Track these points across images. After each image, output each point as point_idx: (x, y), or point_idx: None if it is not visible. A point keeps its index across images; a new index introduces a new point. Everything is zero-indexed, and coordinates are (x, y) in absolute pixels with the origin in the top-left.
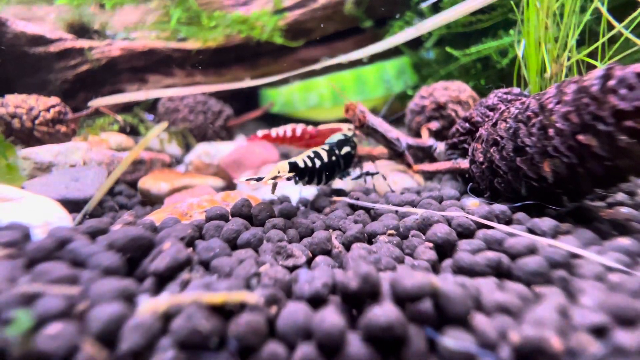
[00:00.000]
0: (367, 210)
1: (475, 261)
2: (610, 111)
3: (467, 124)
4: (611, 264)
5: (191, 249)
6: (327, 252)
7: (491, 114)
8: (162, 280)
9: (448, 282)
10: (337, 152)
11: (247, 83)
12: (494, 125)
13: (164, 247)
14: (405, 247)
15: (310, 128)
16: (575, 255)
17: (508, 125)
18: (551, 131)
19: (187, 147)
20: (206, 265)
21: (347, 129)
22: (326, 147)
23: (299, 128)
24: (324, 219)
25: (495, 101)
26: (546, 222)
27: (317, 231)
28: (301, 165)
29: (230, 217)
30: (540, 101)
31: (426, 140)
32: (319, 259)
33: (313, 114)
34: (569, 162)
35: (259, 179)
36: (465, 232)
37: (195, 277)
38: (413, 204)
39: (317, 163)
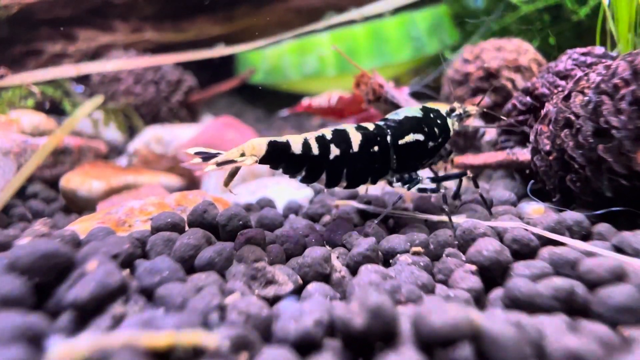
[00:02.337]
0: (384, 219)
1: (536, 291)
2: None
3: (528, 98)
4: None
5: (128, 271)
6: (325, 278)
7: (562, 83)
8: (85, 314)
9: (496, 321)
10: (387, 138)
11: (221, 51)
12: (566, 98)
13: (88, 268)
14: (437, 272)
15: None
16: None
17: (586, 98)
18: None
19: (132, 132)
20: (149, 294)
21: (455, 106)
22: (369, 126)
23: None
24: (321, 232)
25: (569, 65)
26: None
27: (310, 248)
28: (295, 149)
29: (186, 227)
30: (634, 64)
31: (470, 122)
32: (313, 287)
33: (310, 85)
34: None
35: (210, 157)
36: (524, 251)
37: (133, 310)
38: (452, 212)
39: (334, 151)
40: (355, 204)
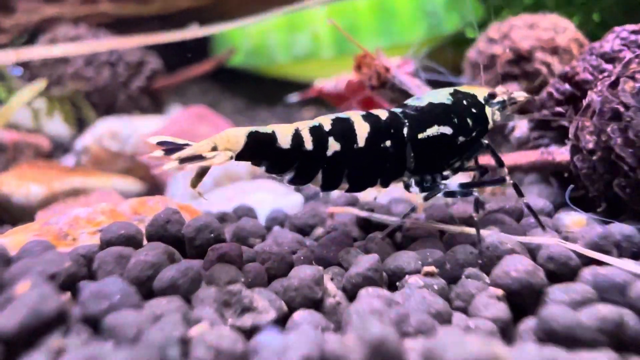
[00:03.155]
0: (391, 232)
1: (577, 322)
2: None
3: (567, 86)
4: None
5: (69, 294)
6: (315, 304)
7: (609, 67)
8: (13, 348)
9: (527, 357)
10: (404, 130)
11: (195, 31)
12: (613, 85)
13: (17, 291)
14: (455, 297)
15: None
16: None
17: (638, 85)
18: None
19: (81, 125)
20: (95, 323)
21: (497, 91)
22: (381, 114)
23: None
24: (312, 247)
25: (617, 46)
26: None
27: (297, 267)
28: (283, 142)
29: (144, 242)
30: None
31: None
32: (300, 315)
33: (301, 68)
34: None
35: (178, 148)
36: (562, 271)
37: (74, 343)
38: (470, 223)
39: (333, 146)
40: (355, 211)
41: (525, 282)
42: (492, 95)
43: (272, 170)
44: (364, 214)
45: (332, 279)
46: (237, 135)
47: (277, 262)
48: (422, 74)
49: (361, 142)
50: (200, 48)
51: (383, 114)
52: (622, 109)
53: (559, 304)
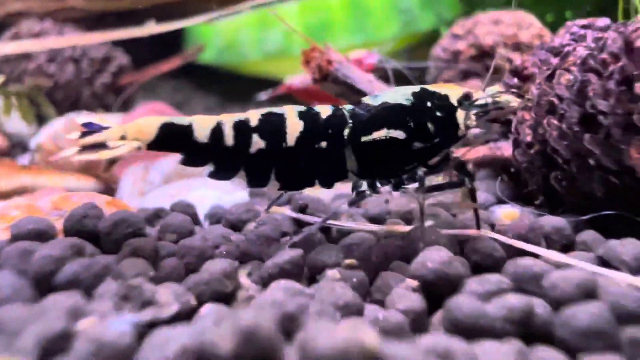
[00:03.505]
0: (327, 229)
1: (482, 312)
2: None
3: (515, 80)
4: None
5: None
6: (226, 298)
7: (556, 61)
8: None
9: (400, 347)
10: (344, 132)
11: (151, 28)
12: (550, 78)
13: None
14: (376, 289)
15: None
16: None
17: (572, 77)
18: (638, 87)
19: (43, 122)
20: None
21: (473, 92)
22: (325, 111)
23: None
24: (238, 242)
25: (566, 40)
26: (629, 248)
27: (209, 262)
28: (200, 135)
29: (60, 236)
30: (627, 35)
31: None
32: (208, 308)
33: (274, 65)
34: None
35: (86, 134)
36: (487, 263)
37: None
38: (408, 218)
39: (257, 143)
40: (287, 211)
41: (441, 272)
42: (467, 97)
43: (188, 162)
44: (293, 214)
45: (250, 274)
46: (149, 126)
47: (196, 257)
48: (390, 68)
49: (291, 141)
50: (173, 45)
51: (325, 112)
52: (557, 102)
53: (468, 295)
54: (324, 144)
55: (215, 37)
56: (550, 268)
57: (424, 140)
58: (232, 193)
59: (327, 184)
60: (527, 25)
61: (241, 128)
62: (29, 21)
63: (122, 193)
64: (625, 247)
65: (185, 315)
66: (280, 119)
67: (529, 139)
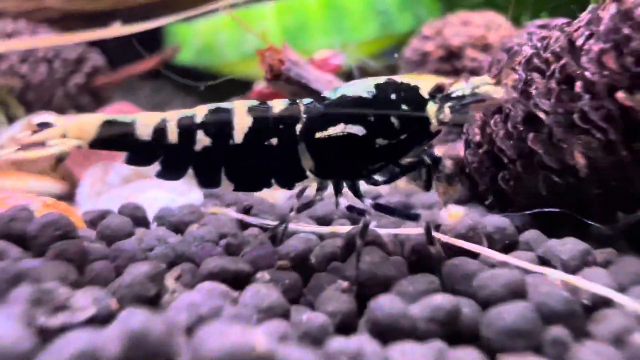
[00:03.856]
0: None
1: (402, 313)
2: None
3: None
4: None
5: None
6: (150, 301)
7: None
8: None
9: (296, 352)
10: (296, 127)
11: (117, 30)
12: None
13: None
14: (308, 290)
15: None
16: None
17: (517, 77)
18: (579, 85)
19: (11, 123)
20: None
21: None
22: (278, 106)
23: None
24: (174, 244)
25: (524, 40)
26: (568, 247)
27: (133, 264)
28: (142, 133)
29: None
30: (570, 34)
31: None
32: (126, 312)
33: (252, 66)
34: (607, 139)
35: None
36: (425, 263)
37: None
38: (354, 219)
39: (202, 140)
40: (230, 212)
41: (371, 273)
42: (439, 89)
43: (132, 162)
44: (238, 215)
45: (179, 276)
46: (90, 124)
47: (127, 260)
48: (355, 68)
49: (238, 138)
50: (153, 45)
51: (278, 107)
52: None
53: (389, 296)
54: (274, 140)
55: (193, 38)
56: (482, 267)
57: (387, 136)
58: (187, 194)
59: (286, 185)
60: (496, 26)
61: (186, 125)
62: (1, 21)
63: (81, 194)
64: (565, 246)
65: (105, 319)
66: (228, 114)
67: (477, 139)
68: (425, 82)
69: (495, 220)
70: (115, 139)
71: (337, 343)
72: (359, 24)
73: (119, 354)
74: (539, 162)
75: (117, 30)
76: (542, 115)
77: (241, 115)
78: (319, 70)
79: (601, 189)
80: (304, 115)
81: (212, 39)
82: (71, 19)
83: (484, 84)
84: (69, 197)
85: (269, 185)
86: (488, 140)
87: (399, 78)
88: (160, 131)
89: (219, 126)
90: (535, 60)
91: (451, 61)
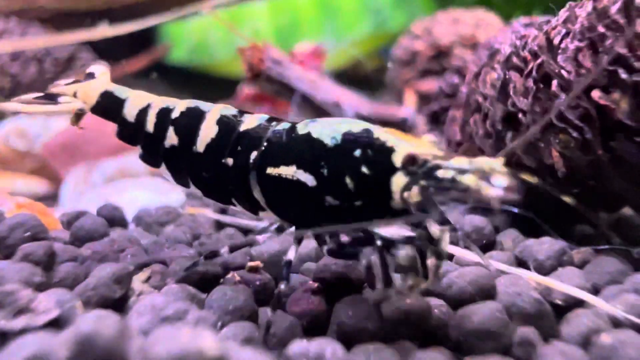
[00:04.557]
0: (249, 232)
1: (368, 314)
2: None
3: (455, 79)
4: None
5: None
6: (115, 303)
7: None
8: None
9: (245, 355)
10: (251, 154)
11: (104, 31)
12: (477, 76)
13: None
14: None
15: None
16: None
17: (496, 76)
18: (555, 84)
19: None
20: None
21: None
22: (251, 122)
23: None
24: (147, 245)
25: (509, 38)
26: (544, 247)
27: (100, 266)
28: (128, 113)
29: None
30: (547, 32)
31: (399, 109)
32: (95, 315)
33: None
34: (584, 139)
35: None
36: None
37: None
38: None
39: (171, 138)
40: (208, 212)
41: (341, 275)
42: (412, 160)
43: (121, 137)
44: (215, 216)
45: (149, 278)
46: (94, 90)
47: (97, 262)
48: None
49: (200, 146)
50: (145, 44)
51: (248, 124)
52: (481, 100)
53: (357, 297)
54: (230, 160)
55: (186, 37)
56: (455, 268)
57: (337, 197)
58: (167, 195)
59: (250, 210)
60: (485, 24)
61: (162, 117)
62: None
63: (65, 194)
64: (542, 246)
65: (68, 322)
66: (198, 119)
67: (458, 137)
68: (403, 147)
69: (474, 220)
70: (109, 111)
71: (298, 346)
72: (352, 22)
73: (68, 358)
74: (516, 162)
75: (110, 30)
76: (520, 114)
77: (209, 123)
78: (302, 67)
79: (579, 188)
80: (265, 144)
81: (205, 38)
82: (63, 17)
83: (473, 170)
84: (53, 197)
85: (227, 203)
86: (468, 139)
87: (382, 132)
88: (142, 116)
89: (187, 129)
90: (514, 59)
91: (440, 60)
